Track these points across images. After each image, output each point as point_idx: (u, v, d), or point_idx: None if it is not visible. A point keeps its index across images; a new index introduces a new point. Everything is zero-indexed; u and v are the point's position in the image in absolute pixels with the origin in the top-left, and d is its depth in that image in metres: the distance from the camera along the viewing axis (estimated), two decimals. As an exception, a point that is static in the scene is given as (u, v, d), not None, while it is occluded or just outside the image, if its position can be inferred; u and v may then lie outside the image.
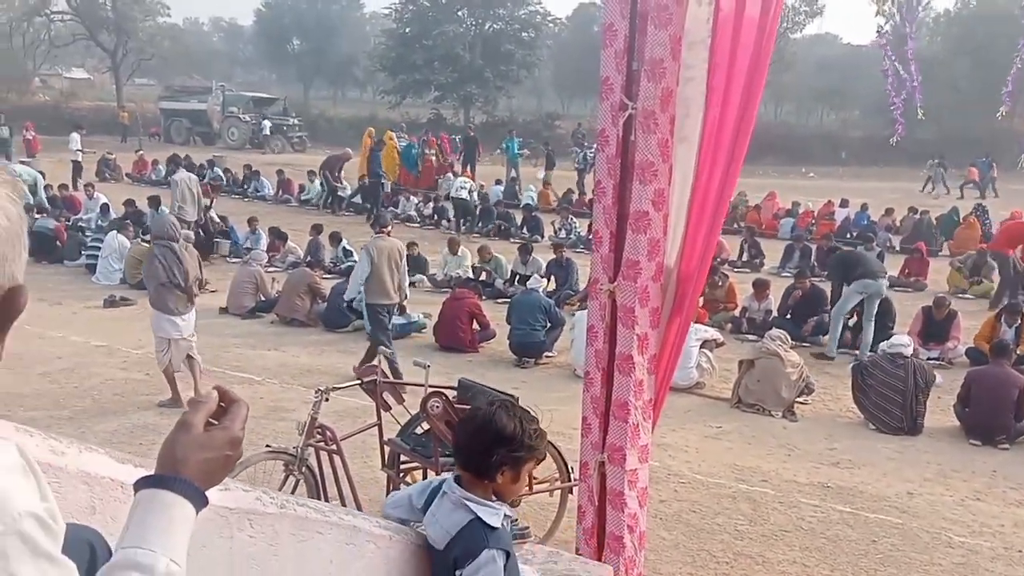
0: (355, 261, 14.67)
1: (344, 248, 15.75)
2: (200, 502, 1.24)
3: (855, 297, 11.40)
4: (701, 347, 9.86)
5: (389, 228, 10.05)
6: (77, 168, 25.30)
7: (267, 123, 40.24)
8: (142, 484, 1.23)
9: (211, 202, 17.21)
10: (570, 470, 5.92)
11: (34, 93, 54.98)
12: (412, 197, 23.23)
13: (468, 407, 5.79)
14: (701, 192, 3.80)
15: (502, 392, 6.15)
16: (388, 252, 9.31)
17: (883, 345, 9.42)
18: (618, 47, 3.49)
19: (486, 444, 2.61)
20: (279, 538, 1.93)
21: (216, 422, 1.33)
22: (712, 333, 10.37)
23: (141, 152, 29.64)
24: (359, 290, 9.35)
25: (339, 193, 23.04)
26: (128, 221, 16.39)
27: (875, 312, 11.35)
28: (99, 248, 15.03)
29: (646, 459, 4.21)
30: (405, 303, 10.07)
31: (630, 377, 3.91)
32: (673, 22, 3.34)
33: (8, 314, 1.02)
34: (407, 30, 53.80)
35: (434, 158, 27.37)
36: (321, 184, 23.97)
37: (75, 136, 26.39)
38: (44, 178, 21.07)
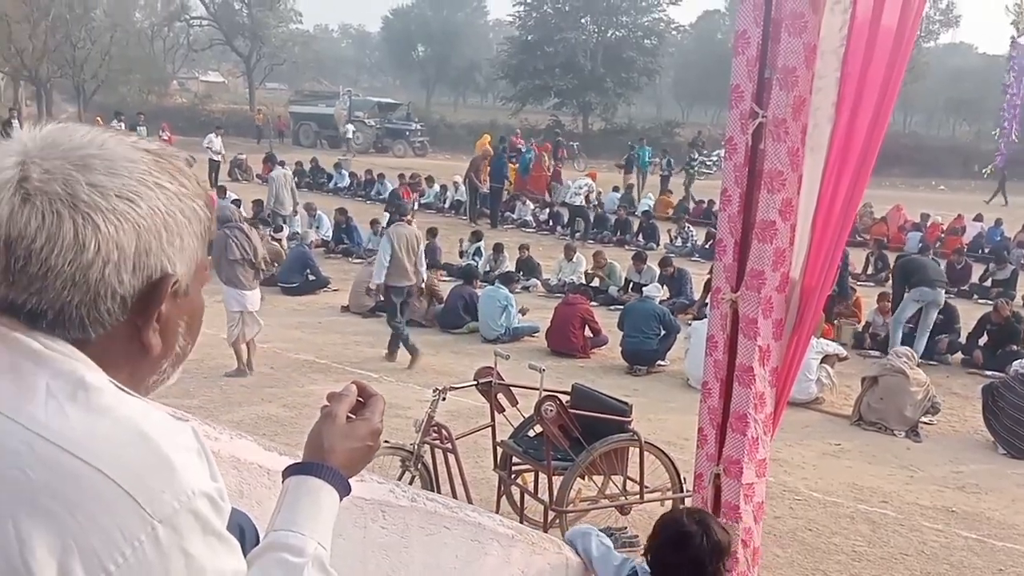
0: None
1: (478, 248, 16.05)
2: (344, 490, 1.29)
3: (912, 305, 11.43)
4: (822, 361, 9.61)
5: (409, 216, 11.22)
6: (214, 167, 26.33)
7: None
8: (291, 471, 1.28)
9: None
10: (682, 480, 5.87)
11: (172, 95, 57.56)
12: (528, 202, 23.33)
13: (581, 413, 5.83)
14: (827, 203, 3.72)
15: (616, 399, 6.16)
16: (407, 238, 10.11)
17: (1016, 365, 9.00)
18: (750, 55, 3.45)
19: (716, 560, 2.91)
20: (409, 530, 1.99)
21: (353, 416, 1.38)
22: (834, 347, 10.10)
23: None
24: (382, 274, 10.09)
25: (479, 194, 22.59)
26: (258, 220, 16.99)
27: (931, 322, 11.43)
28: (229, 245, 15.62)
29: (763, 473, 4.13)
30: (422, 286, 11.28)
31: (750, 389, 3.85)
32: (808, 30, 3.28)
33: (152, 304, 1.02)
34: (529, 37, 54.16)
35: (551, 163, 27.51)
36: (440, 187, 24.21)
37: (211, 137, 27.44)
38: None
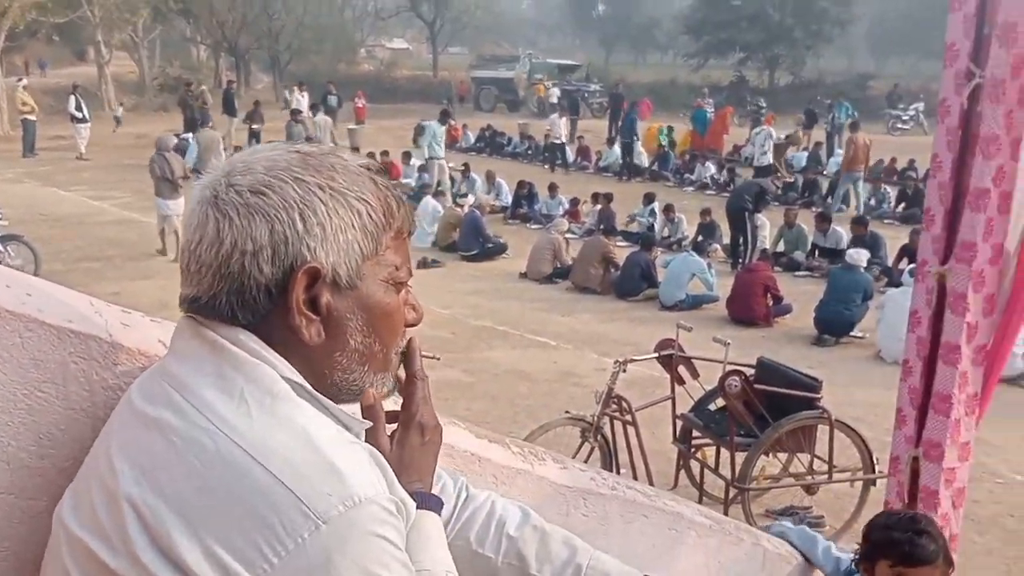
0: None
1: (651, 209, 15.99)
2: (437, 505, 1.23)
3: None
4: (1030, 334, 8.86)
5: (211, 123, 18.09)
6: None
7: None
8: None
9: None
10: (875, 461, 5.59)
11: (360, 63, 59.24)
12: (708, 163, 22.56)
13: (766, 388, 5.63)
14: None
15: (804, 374, 5.92)
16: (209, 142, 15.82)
17: None
18: (968, 10, 3.16)
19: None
20: (608, 518, 2.00)
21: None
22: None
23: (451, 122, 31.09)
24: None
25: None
26: (440, 187, 17.27)
27: None
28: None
29: (966, 457, 3.86)
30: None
31: (955, 368, 3.59)
32: (1032, -21, 2.98)
33: (291, 291, 1.03)
34: (716, -11, 52.50)
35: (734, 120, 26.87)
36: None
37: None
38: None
